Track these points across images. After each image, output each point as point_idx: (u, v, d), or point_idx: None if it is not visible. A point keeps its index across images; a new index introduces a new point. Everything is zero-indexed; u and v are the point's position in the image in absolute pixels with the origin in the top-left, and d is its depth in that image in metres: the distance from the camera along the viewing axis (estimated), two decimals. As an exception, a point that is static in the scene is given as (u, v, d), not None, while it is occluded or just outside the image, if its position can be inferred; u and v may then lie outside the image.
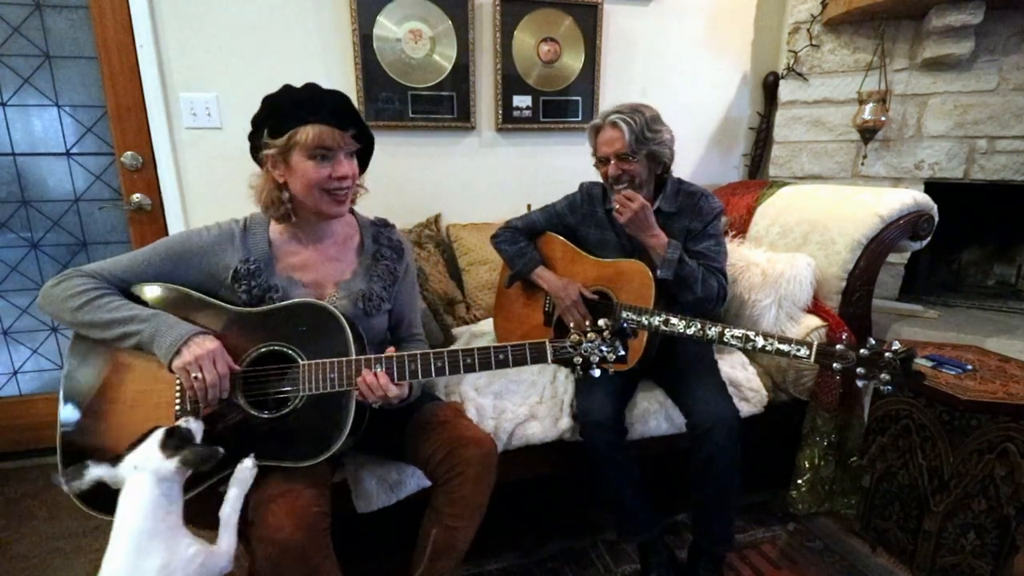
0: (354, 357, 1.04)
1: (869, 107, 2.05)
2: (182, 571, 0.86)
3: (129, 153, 1.87)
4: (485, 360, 1.06)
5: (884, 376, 1.06)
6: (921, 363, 1.48)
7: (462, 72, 2.07)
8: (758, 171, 2.49)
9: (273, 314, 1.07)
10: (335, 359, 1.04)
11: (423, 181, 2.15)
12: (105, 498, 0.91)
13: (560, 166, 2.25)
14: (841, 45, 2.17)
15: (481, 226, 2.09)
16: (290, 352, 1.06)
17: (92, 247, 1.96)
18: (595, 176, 1.57)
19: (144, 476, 0.88)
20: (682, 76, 2.36)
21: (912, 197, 1.64)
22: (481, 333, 1.86)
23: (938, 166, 2.11)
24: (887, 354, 1.06)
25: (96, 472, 0.89)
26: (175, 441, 0.91)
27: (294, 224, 1.15)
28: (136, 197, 1.90)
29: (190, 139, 1.90)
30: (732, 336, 1.26)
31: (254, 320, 1.07)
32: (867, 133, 2.10)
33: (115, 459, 0.90)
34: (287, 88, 1.06)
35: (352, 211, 1.26)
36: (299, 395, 1.04)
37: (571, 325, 1.09)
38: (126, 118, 1.85)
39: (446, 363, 1.06)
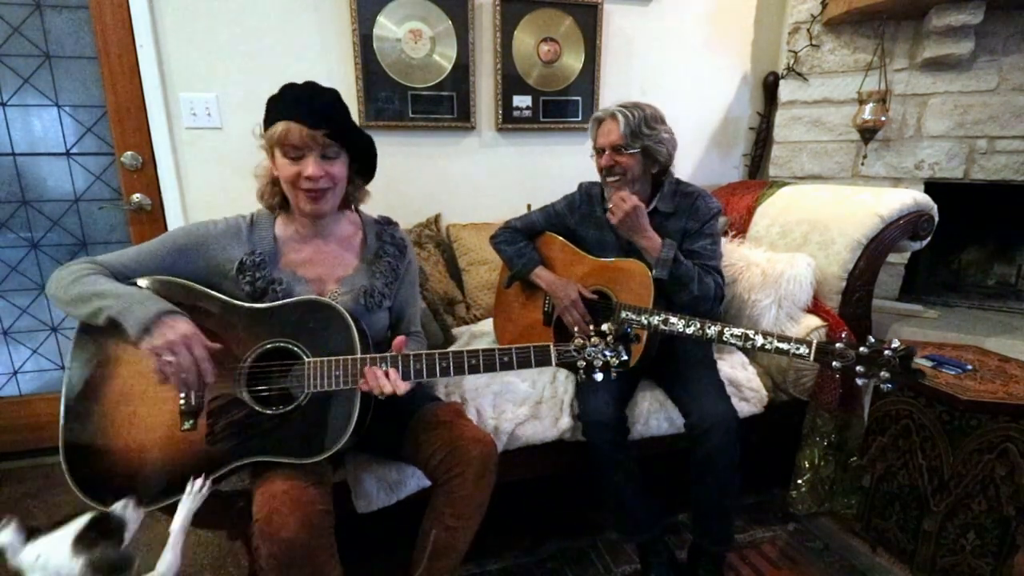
0: (359, 356, 1.04)
1: (869, 107, 2.05)
2: None
3: (129, 153, 1.87)
4: (490, 361, 1.07)
5: (884, 374, 1.06)
6: (921, 363, 1.48)
7: (462, 72, 2.07)
8: (758, 171, 2.49)
9: (279, 310, 1.07)
10: (341, 357, 1.04)
11: (423, 181, 2.15)
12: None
13: (560, 166, 2.25)
14: (841, 45, 2.17)
15: (481, 226, 2.09)
16: (295, 349, 1.06)
17: (92, 247, 1.96)
18: (595, 176, 1.57)
19: (40, 570, 0.75)
20: (682, 76, 2.36)
21: (912, 197, 1.64)
22: (481, 333, 1.86)
23: (938, 166, 2.11)
24: (886, 352, 1.06)
25: (2, 541, 0.77)
26: (94, 534, 0.79)
27: (297, 221, 1.17)
28: (136, 197, 1.90)
29: (190, 139, 1.90)
30: (732, 335, 1.26)
31: (260, 316, 1.07)
32: (867, 133, 2.10)
33: (31, 533, 0.79)
34: (287, 85, 1.08)
35: (357, 210, 1.27)
36: (304, 392, 1.04)
37: (574, 329, 1.09)
38: (126, 118, 1.85)
39: (451, 363, 1.07)
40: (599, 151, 1.51)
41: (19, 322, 1.98)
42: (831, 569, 1.49)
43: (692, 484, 1.35)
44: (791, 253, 1.72)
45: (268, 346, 1.06)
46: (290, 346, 1.06)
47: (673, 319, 1.33)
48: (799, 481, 1.64)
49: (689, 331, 1.30)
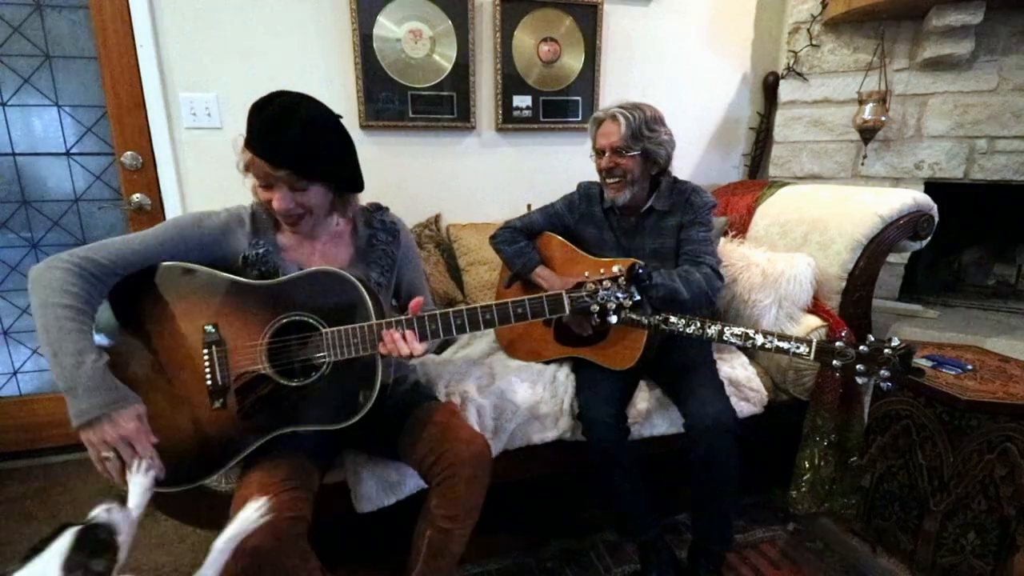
0: (375, 321, 1.05)
1: (869, 107, 2.05)
2: None
3: (129, 153, 1.87)
4: (503, 314, 1.08)
5: (884, 373, 1.06)
6: (921, 363, 1.48)
7: (462, 72, 2.07)
8: (758, 171, 2.49)
9: (290, 284, 1.08)
10: (356, 325, 1.05)
11: (423, 181, 2.15)
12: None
13: (560, 166, 2.25)
14: (841, 45, 2.17)
15: (481, 226, 2.09)
16: (312, 321, 1.07)
17: (92, 247, 1.96)
18: (595, 175, 1.57)
19: None
20: (682, 76, 2.36)
21: (912, 197, 1.63)
22: (481, 332, 1.86)
23: (938, 166, 2.11)
24: (886, 350, 1.06)
25: None
26: (87, 549, 0.70)
27: (290, 232, 1.17)
28: (136, 197, 1.90)
29: (190, 139, 1.90)
30: (732, 334, 1.26)
31: (274, 291, 1.08)
32: (867, 133, 2.10)
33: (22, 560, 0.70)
34: (261, 101, 1.03)
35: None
36: (326, 361, 1.06)
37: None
38: (126, 118, 1.85)
39: (466, 320, 1.08)
40: (599, 152, 1.51)
41: (19, 322, 1.98)
42: (831, 569, 1.49)
43: (692, 484, 1.35)
44: (791, 253, 1.72)
45: (284, 320, 1.07)
46: (306, 318, 1.07)
47: (673, 318, 1.32)
48: (799, 481, 1.64)
49: (689, 330, 1.30)
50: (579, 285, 1.10)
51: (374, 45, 1.96)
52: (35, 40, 1.77)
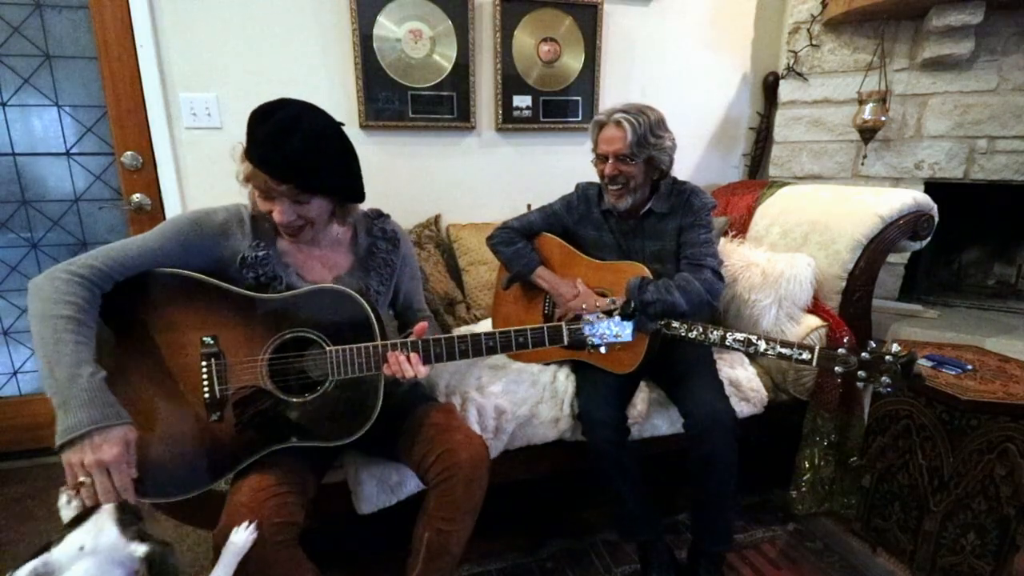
0: (379, 342, 1.06)
1: (869, 107, 2.05)
2: None
3: (129, 153, 1.87)
4: (506, 342, 1.12)
5: (884, 379, 1.06)
6: (921, 363, 1.48)
7: (462, 72, 2.07)
8: (758, 171, 2.49)
9: (295, 299, 1.07)
10: (362, 344, 1.05)
11: (423, 181, 2.15)
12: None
13: (560, 166, 2.25)
14: (841, 45, 2.17)
15: (481, 226, 2.09)
16: (315, 338, 1.07)
17: (92, 247, 1.92)
18: (595, 176, 1.56)
19: (97, 563, 0.67)
20: (682, 76, 2.36)
21: (912, 197, 1.63)
22: (483, 329, 1.85)
23: (938, 166, 2.11)
24: (888, 357, 1.06)
25: (28, 571, 0.66)
26: (132, 520, 0.72)
27: (289, 243, 1.16)
28: (136, 197, 1.90)
29: (190, 139, 1.90)
30: (734, 340, 1.26)
31: (278, 306, 1.07)
32: (867, 133, 2.10)
33: (46, 546, 0.69)
34: (262, 111, 1.02)
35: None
36: (329, 380, 1.06)
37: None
38: (126, 118, 1.85)
39: (469, 346, 1.11)
40: (601, 157, 1.48)
41: (19, 322, 1.98)
42: (831, 569, 1.49)
43: (691, 484, 1.35)
44: (791, 253, 1.72)
45: (288, 336, 1.07)
46: (310, 335, 1.07)
47: (675, 323, 1.33)
48: (799, 481, 1.64)
49: (692, 336, 1.31)
50: (577, 318, 1.17)
51: (374, 45, 1.96)
52: (35, 40, 1.77)
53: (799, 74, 2.25)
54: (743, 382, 1.58)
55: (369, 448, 1.27)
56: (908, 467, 1.44)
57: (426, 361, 1.08)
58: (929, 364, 1.47)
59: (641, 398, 1.51)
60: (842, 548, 1.56)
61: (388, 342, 1.06)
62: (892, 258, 2.03)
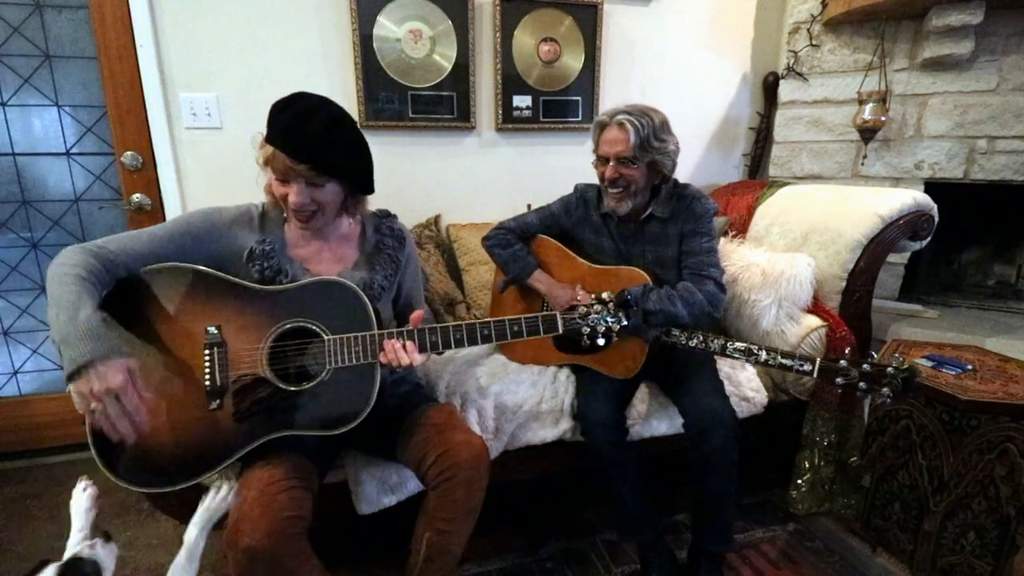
0: (377, 331, 1.08)
1: (869, 107, 2.05)
2: None
3: (129, 153, 1.87)
4: (501, 331, 1.14)
5: (885, 391, 1.07)
6: (921, 363, 1.48)
7: (462, 72, 2.07)
8: (758, 171, 2.49)
9: (295, 291, 1.10)
10: (360, 334, 1.07)
11: (423, 181, 2.15)
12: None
13: (560, 166, 2.25)
14: (841, 45, 2.17)
15: (481, 226, 2.08)
16: (314, 328, 1.08)
17: (92, 247, 1.96)
18: (595, 177, 1.55)
19: None
20: (682, 76, 2.36)
21: (912, 197, 1.64)
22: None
23: (938, 166, 2.11)
24: (889, 370, 1.07)
25: None
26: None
27: (300, 228, 1.17)
28: (136, 197, 1.90)
29: (190, 139, 1.90)
30: (735, 349, 1.27)
31: (277, 297, 1.10)
32: (867, 133, 2.09)
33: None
34: (282, 101, 1.06)
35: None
36: (326, 368, 1.07)
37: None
38: (126, 118, 1.85)
39: (464, 335, 1.12)
40: (602, 159, 1.45)
41: (19, 322, 1.98)
42: (831, 569, 1.49)
43: (691, 484, 1.35)
44: (791, 253, 1.72)
45: (288, 326, 1.08)
46: (309, 325, 1.09)
47: (676, 331, 1.34)
48: (799, 481, 1.64)
49: (692, 344, 1.31)
50: (572, 308, 1.17)
51: (374, 45, 1.96)
52: (35, 40, 1.77)
53: (799, 74, 2.25)
54: (743, 382, 1.58)
55: (369, 448, 1.27)
56: (908, 467, 1.44)
57: (422, 349, 1.09)
58: (929, 364, 1.47)
59: (641, 398, 1.51)
60: (842, 548, 1.56)
61: (385, 331, 1.08)
62: (892, 258, 2.03)
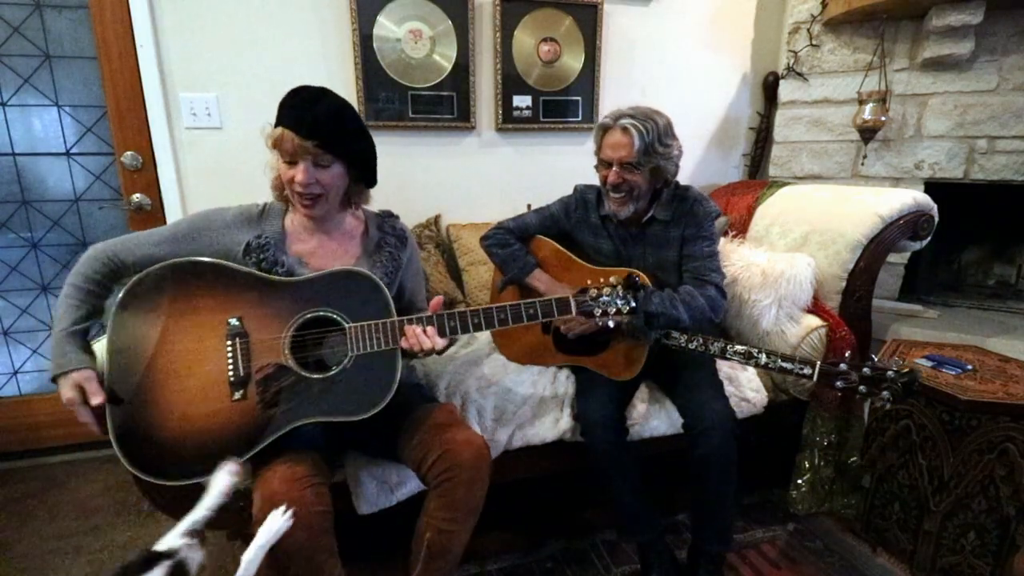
0: (397, 318, 1.10)
1: (869, 107, 2.04)
2: None
3: (129, 153, 1.87)
4: (516, 314, 1.16)
5: (885, 394, 1.07)
6: (921, 363, 1.48)
7: (462, 72, 2.07)
8: (758, 171, 2.49)
9: (314, 281, 1.12)
10: (380, 320, 1.09)
11: (423, 181, 2.15)
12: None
13: (560, 166, 2.25)
14: (841, 45, 2.17)
15: (481, 226, 2.08)
16: (335, 316, 1.10)
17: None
18: (596, 177, 1.54)
19: None
20: (682, 76, 2.36)
21: (912, 197, 1.64)
22: (481, 333, 1.85)
23: (938, 166, 2.10)
24: (889, 373, 1.07)
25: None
26: None
27: (302, 215, 1.20)
28: (136, 197, 1.90)
29: (190, 139, 1.90)
30: (735, 352, 1.27)
31: (298, 288, 1.12)
32: (867, 133, 2.09)
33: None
34: (290, 91, 1.11)
35: (359, 207, 1.31)
36: (348, 355, 1.09)
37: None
38: (126, 118, 1.85)
39: (482, 319, 1.14)
40: (604, 163, 1.43)
41: (19, 322, 1.98)
42: (831, 569, 1.49)
43: (691, 484, 1.35)
44: (791, 253, 1.72)
45: (309, 315, 1.10)
46: (330, 314, 1.10)
47: (675, 333, 1.34)
48: (799, 481, 1.64)
49: (692, 347, 1.31)
50: (583, 290, 1.17)
51: (374, 45, 1.96)
52: (35, 40, 1.77)
53: (799, 74, 2.25)
54: (743, 382, 1.58)
55: (371, 448, 1.27)
56: (908, 467, 1.44)
57: (441, 335, 1.11)
58: (929, 364, 1.47)
59: (641, 398, 1.51)
60: (842, 548, 1.56)
61: (404, 318, 1.10)
62: (892, 258, 2.03)
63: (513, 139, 2.23)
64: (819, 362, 1.17)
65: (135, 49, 1.79)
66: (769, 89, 2.37)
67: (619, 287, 1.18)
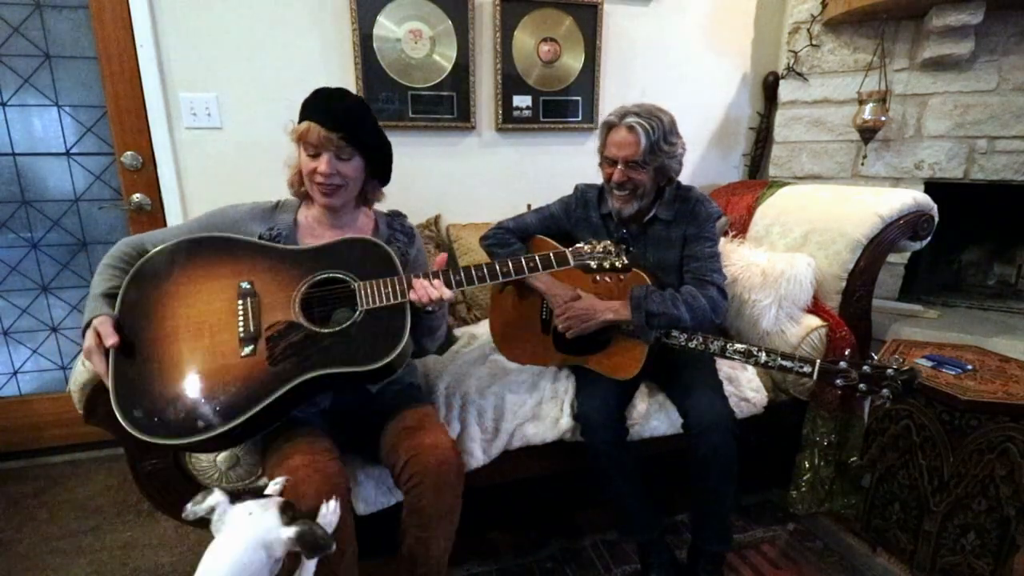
0: (403, 275, 1.14)
1: (869, 107, 2.05)
2: None
3: (129, 153, 1.87)
4: (519, 268, 1.20)
5: (885, 392, 1.07)
6: (921, 363, 1.48)
7: (462, 72, 2.07)
8: (758, 171, 2.49)
9: (325, 248, 1.17)
10: (388, 278, 1.13)
11: (423, 181, 2.15)
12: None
13: (560, 166, 2.25)
14: (841, 45, 2.17)
15: (481, 226, 2.08)
16: (343, 276, 1.14)
17: (92, 247, 1.96)
18: (596, 177, 1.55)
19: (252, 525, 0.84)
20: (682, 76, 2.36)
21: (912, 197, 1.64)
22: (481, 333, 1.85)
23: (938, 166, 2.10)
24: (889, 371, 1.07)
25: (213, 501, 0.88)
26: (290, 511, 0.88)
27: (317, 210, 1.25)
28: (136, 197, 1.90)
29: (190, 139, 1.90)
30: (734, 351, 1.27)
31: (308, 254, 1.17)
32: (867, 133, 2.09)
33: (234, 496, 0.89)
34: (320, 89, 1.19)
35: (371, 206, 1.36)
36: (359, 310, 1.11)
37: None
38: (126, 118, 1.85)
39: (486, 273, 1.18)
40: (609, 161, 1.43)
41: (19, 322, 1.98)
42: (831, 569, 1.49)
43: (691, 484, 1.35)
44: (791, 253, 1.72)
45: (319, 276, 1.14)
46: (339, 275, 1.14)
47: (675, 332, 1.34)
48: (799, 481, 1.64)
49: (692, 345, 1.31)
50: (578, 247, 1.22)
51: (374, 45, 1.96)
52: (35, 40, 1.77)
53: (799, 74, 2.25)
54: (743, 382, 1.58)
55: (362, 450, 1.27)
56: (908, 467, 1.44)
57: (448, 287, 1.13)
58: (929, 364, 1.47)
59: (641, 398, 1.51)
60: (842, 548, 1.56)
61: (411, 275, 1.13)
62: (892, 258, 2.03)
63: (513, 139, 2.23)
64: (819, 360, 1.17)
65: (135, 49, 1.79)
66: (769, 89, 2.37)
67: (611, 244, 1.22)
